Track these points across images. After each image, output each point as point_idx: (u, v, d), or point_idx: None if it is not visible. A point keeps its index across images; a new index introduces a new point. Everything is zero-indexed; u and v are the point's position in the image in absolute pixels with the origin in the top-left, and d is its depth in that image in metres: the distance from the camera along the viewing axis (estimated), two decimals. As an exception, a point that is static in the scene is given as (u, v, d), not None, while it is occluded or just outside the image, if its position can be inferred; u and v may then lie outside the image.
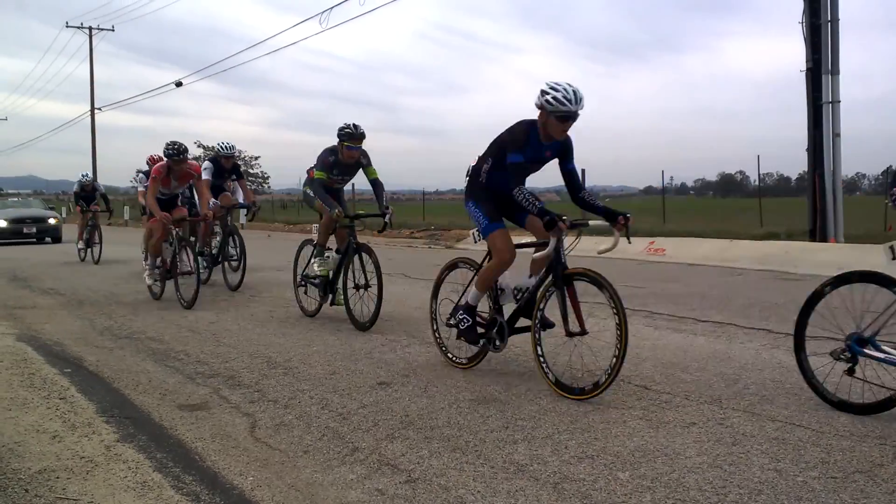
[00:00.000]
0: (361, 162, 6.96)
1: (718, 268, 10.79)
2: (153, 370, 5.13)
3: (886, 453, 3.16)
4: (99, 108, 46.54)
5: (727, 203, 60.65)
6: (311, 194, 7.04)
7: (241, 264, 9.56)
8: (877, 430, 3.45)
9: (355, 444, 3.49)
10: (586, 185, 23.93)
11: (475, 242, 5.34)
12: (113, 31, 46.26)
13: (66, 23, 45.64)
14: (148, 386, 4.70)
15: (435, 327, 5.26)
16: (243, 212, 35.74)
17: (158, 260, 8.61)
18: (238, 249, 9.70)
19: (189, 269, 8.06)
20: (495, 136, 4.74)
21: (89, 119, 46.48)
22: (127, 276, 11.76)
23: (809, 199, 12.43)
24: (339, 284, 6.83)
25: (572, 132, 4.54)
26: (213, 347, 5.83)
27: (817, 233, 12.15)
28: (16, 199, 30.01)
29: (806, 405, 3.87)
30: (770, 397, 4.03)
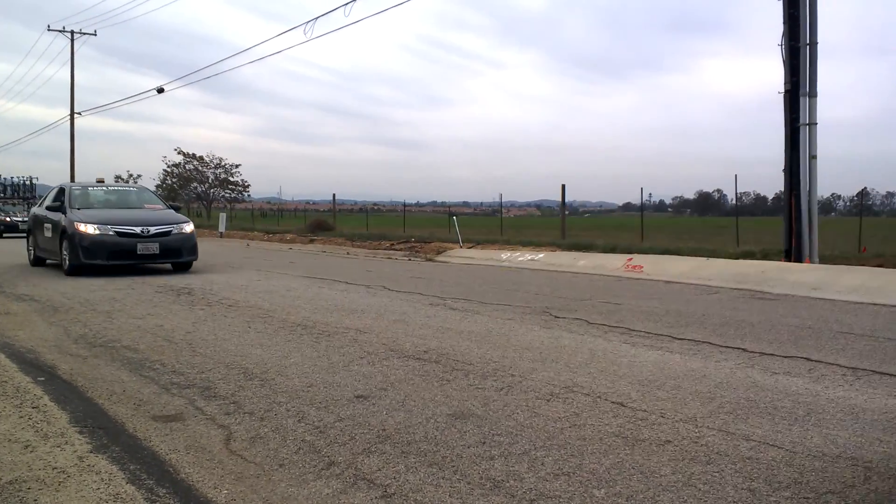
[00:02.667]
0: None
1: (695, 285, 10.89)
2: (128, 380, 5.08)
3: (858, 474, 3.20)
4: (79, 113, 46.13)
5: (704, 221, 61.20)
6: None
7: None
8: (849, 451, 3.49)
9: (331, 458, 3.48)
10: (566, 200, 24.08)
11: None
12: (95, 35, 45.90)
13: (48, 26, 45.30)
14: (122, 396, 4.65)
15: None
16: (222, 219, 35.56)
17: None
18: None
19: None
20: None
21: (69, 123, 46.07)
22: (103, 283, 11.64)
23: (785, 219, 12.59)
24: None
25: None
26: (189, 357, 5.79)
27: (793, 253, 12.30)
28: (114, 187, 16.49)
29: (779, 425, 3.91)
30: (744, 416, 4.07)
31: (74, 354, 5.98)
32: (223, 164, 63.53)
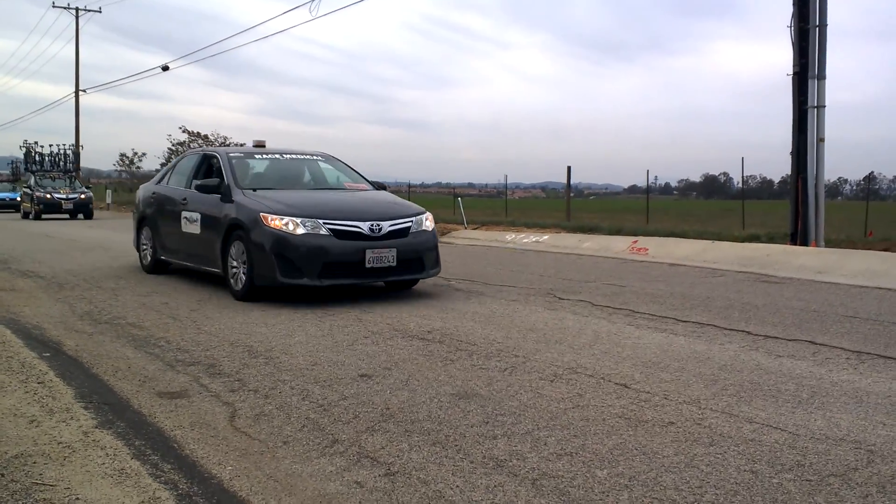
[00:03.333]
0: None
1: (700, 268, 10.87)
2: (133, 356, 5.10)
3: (861, 457, 3.21)
4: (84, 90, 46.09)
5: (710, 204, 61.05)
6: None
7: None
8: (852, 434, 3.49)
9: (335, 436, 3.49)
10: (571, 182, 24.04)
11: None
12: (100, 12, 45.81)
13: (53, 2, 45.11)
14: (127, 372, 4.67)
15: None
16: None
17: None
18: None
19: None
20: None
21: (73, 101, 46.01)
22: (108, 260, 11.67)
23: (792, 202, 12.53)
24: None
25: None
26: (194, 335, 5.80)
27: (798, 236, 12.25)
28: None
29: (783, 408, 3.91)
30: (748, 399, 4.07)
31: (80, 331, 6.00)
32: (228, 142, 63.43)
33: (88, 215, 29.51)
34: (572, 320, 6.45)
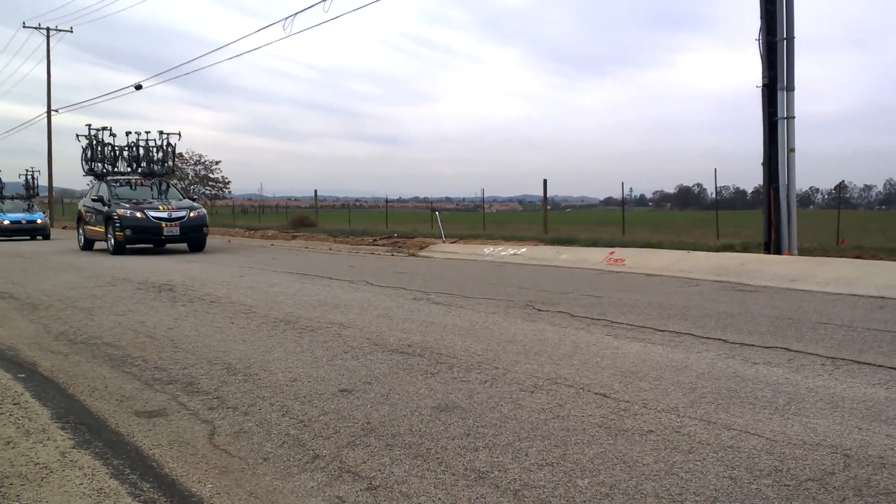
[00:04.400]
0: None
1: (676, 278, 10.97)
2: (109, 376, 5.05)
3: (838, 462, 3.25)
4: (56, 110, 45.64)
5: (685, 215, 61.63)
6: None
7: None
8: (828, 439, 3.54)
9: (316, 452, 3.48)
10: (548, 195, 24.17)
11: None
12: (71, 32, 45.39)
13: (24, 23, 44.73)
14: (104, 392, 4.62)
15: None
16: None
17: None
18: None
19: None
20: None
21: (45, 121, 45.55)
22: (82, 280, 11.55)
23: (764, 212, 12.69)
24: None
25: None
26: (172, 353, 5.76)
27: (772, 245, 12.41)
28: None
29: (760, 414, 3.96)
30: (725, 406, 4.11)
31: (55, 351, 5.93)
32: (203, 160, 63.09)
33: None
34: (551, 331, 6.48)
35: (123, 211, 17.83)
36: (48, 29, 44.79)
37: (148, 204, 18.49)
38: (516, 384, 4.63)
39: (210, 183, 64.11)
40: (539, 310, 7.77)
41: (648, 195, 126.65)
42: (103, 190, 19.46)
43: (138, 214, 17.82)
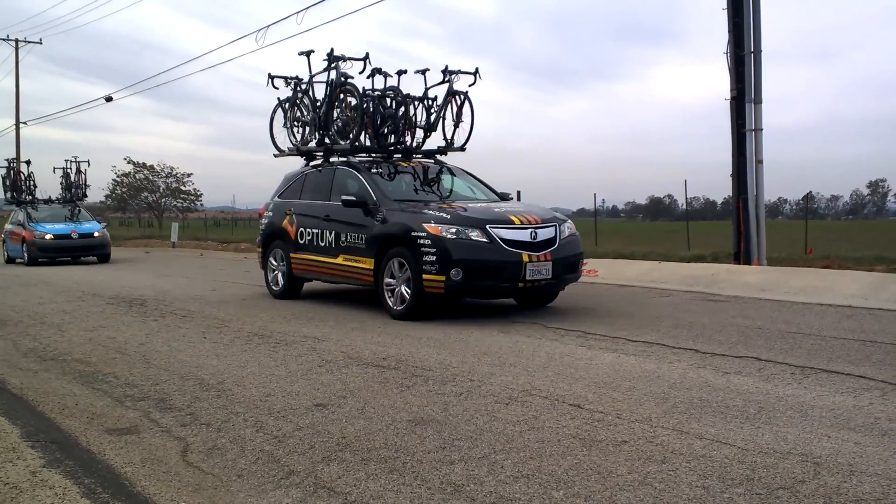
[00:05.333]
0: None
1: (648, 289, 11.06)
2: (80, 393, 4.98)
3: (808, 470, 3.30)
4: (24, 123, 44.95)
5: (656, 226, 62.24)
6: None
7: None
8: (798, 448, 3.59)
9: (291, 468, 3.46)
10: (521, 206, 24.21)
11: None
12: (40, 43, 44.81)
13: (-9, 34, 44.05)
14: (75, 409, 4.56)
15: None
16: (174, 228, 34.74)
17: None
18: None
19: None
20: None
21: (14, 133, 44.91)
22: (52, 295, 11.38)
23: (734, 222, 12.86)
24: None
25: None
26: (143, 369, 5.69)
27: (741, 256, 12.56)
28: None
29: (731, 423, 4.00)
30: (697, 416, 4.16)
31: (24, 368, 5.84)
32: (174, 173, 62.50)
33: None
34: (526, 343, 6.51)
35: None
36: (17, 40, 44.20)
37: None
38: (491, 396, 4.65)
39: (182, 195, 63.49)
40: (513, 321, 7.80)
41: (620, 206, 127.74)
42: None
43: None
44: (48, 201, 23.45)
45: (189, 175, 63.35)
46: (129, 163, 59.16)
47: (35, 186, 23.86)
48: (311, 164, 10.78)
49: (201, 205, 67.81)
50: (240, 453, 3.68)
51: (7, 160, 24.89)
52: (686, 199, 28.11)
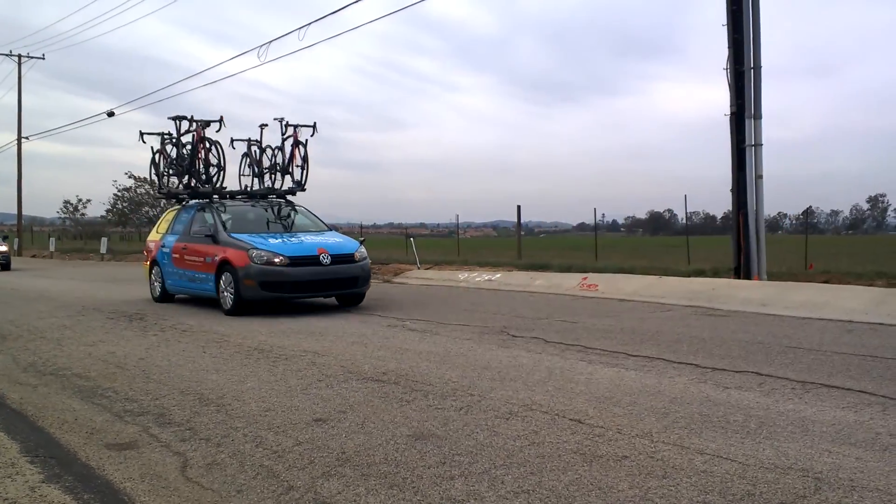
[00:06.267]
0: None
1: (648, 303, 11.06)
2: (79, 408, 4.97)
3: (809, 485, 3.29)
4: (26, 137, 45.16)
5: (656, 240, 62.28)
6: None
7: None
8: (799, 463, 3.58)
9: (290, 483, 3.45)
10: (522, 220, 24.28)
11: None
12: (43, 59, 45.07)
13: (-6, 49, 44.27)
14: (74, 424, 4.55)
15: None
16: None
17: None
18: None
19: None
20: None
21: (16, 148, 45.09)
22: (52, 309, 11.37)
23: (734, 237, 12.87)
24: None
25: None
26: (143, 384, 5.69)
27: (742, 270, 12.56)
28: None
29: (732, 438, 4.00)
30: (698, 431, 4.15)
31: (24, 383, 5.83)
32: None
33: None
34: (526, 357, 6.50)
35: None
36: (20, 56, 44.45)
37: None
38: (492, 411, 4.64)
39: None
40: (513, 336, 7.79)
41: (620, 221, 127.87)
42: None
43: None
44: (242, 194, 13.47)
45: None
46: (130, 177, 59.27)
47: (223, 168, 12.90)
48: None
49: (201, 219, 67.64)
50: (239, 468, 3.67)
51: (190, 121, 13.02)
52: (686, 213, 28.15)
